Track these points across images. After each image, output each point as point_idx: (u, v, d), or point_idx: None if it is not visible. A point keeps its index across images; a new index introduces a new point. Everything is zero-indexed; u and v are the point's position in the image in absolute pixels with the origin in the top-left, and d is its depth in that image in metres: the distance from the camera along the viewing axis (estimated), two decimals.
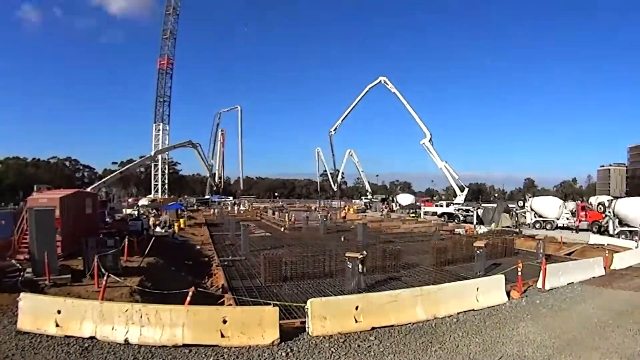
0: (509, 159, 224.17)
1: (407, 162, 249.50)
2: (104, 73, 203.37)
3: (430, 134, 65.90)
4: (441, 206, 58.06)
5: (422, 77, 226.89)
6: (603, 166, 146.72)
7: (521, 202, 45.48)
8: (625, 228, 32.63)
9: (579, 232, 36.05)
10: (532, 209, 42.37)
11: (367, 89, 77.92)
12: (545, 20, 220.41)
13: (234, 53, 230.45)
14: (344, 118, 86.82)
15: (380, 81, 73.70)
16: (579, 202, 45.87)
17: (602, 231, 34.41)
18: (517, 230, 35.67)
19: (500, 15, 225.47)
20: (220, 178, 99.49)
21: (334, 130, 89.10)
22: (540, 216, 41.64)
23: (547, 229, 38.27)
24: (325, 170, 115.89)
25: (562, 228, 38.73)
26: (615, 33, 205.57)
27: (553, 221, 40.35)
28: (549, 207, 41.77)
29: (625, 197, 50.48)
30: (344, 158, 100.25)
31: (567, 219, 40.21)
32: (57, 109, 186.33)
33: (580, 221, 38.96)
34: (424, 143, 66.18)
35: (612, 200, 37.92)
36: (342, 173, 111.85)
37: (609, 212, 34.55)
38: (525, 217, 42.76)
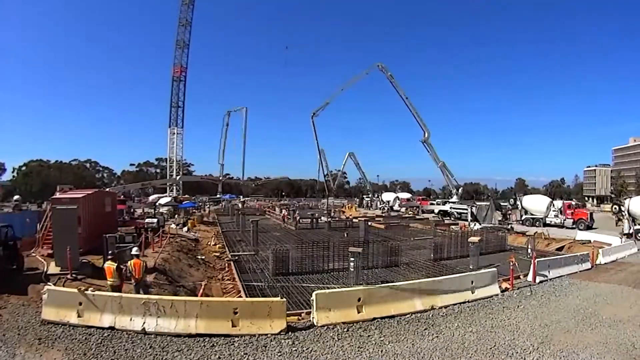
0: (502, 161, 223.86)
1: (407, 164, 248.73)
2: (120, 76, 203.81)
3: (429, 133, 64.02)
4: (438, 204, 57.86)
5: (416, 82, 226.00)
6: (589, 167, 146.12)
7: (512, 200, 45.03)
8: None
9: (564, 229, 36.12)
10: (522, 207, 42.42)
11: (361, 74, 65.16)
12: (536, 24, 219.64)
13: (243, 56, 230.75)
14: (328, 102, 74.93)
15: (377, 66, 62.58)
16: (565, 201, 44.62)
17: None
18: (509, 227, 35.51)
19: (489, 21, 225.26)
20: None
21: (316, 112, 76.84)
22: (529, 213, 41.65)
23: (535, 226, 38.33)
24: (329, 171, 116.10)
25: (550, 225, 38.48)
26: (605, 37, 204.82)
27: (541, 218, 40.21)
28: (538, 204, 41.75)
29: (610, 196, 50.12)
30: (344, 159, 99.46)
31: (555, 216, 39.95)
32: (76, 113, 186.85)
33: (566, 219, 39.03)
34: (424, 141, 64.65)
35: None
36: (345, 173, 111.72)
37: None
38: (514, 215, 42.60)
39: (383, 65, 64.22)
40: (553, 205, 40.96)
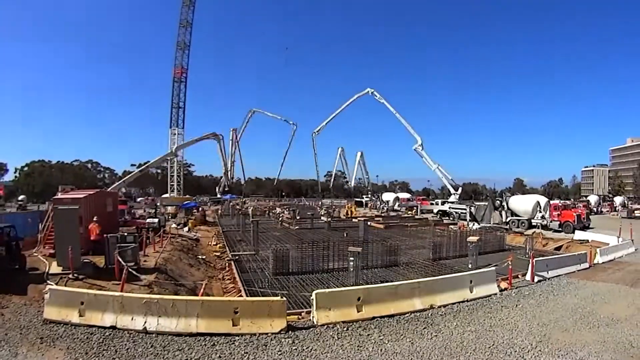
0: (501, 161, 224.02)
1: (406, 164, 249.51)
2: (122, 77, 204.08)
3: (421, 140, 65.28)
4: (437, 204, 57.78)
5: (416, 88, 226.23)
6: (587, 167, 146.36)
7: (498, 201, 40.59)
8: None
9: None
10: (508, 208, 38.56)
11: (355, 97, 78.88)
12: (536, 24, 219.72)
13: (244, 55, 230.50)
14: (328, 122, 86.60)
15: (367, 92, 73.52)
16: (552, 201, 39.51)
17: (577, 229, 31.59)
18: (508, 226, 35.50)
19: (489, 21, 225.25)
20: (232, 177, 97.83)
21: (317, 131, 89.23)
22: (515, 215, 37.83)
23: (519, 228, 35.17)
24: (330, 171, 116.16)
25: (535, 227, 34.74)
26: (605, 37, 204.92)
27: (527, 220, 36.22)
28: (524, 205, 37.85)
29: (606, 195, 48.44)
30: (356, 160, 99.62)
31: (542, 217, 35.82)
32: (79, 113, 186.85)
33: (552, 221, 35.19)
34: (416, 149, 65.51)
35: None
36: (343, 173, 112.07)
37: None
38: (501, 216, 38.82)
39: (373, 90, 73.51)
40: (540, 206, 36.69)
